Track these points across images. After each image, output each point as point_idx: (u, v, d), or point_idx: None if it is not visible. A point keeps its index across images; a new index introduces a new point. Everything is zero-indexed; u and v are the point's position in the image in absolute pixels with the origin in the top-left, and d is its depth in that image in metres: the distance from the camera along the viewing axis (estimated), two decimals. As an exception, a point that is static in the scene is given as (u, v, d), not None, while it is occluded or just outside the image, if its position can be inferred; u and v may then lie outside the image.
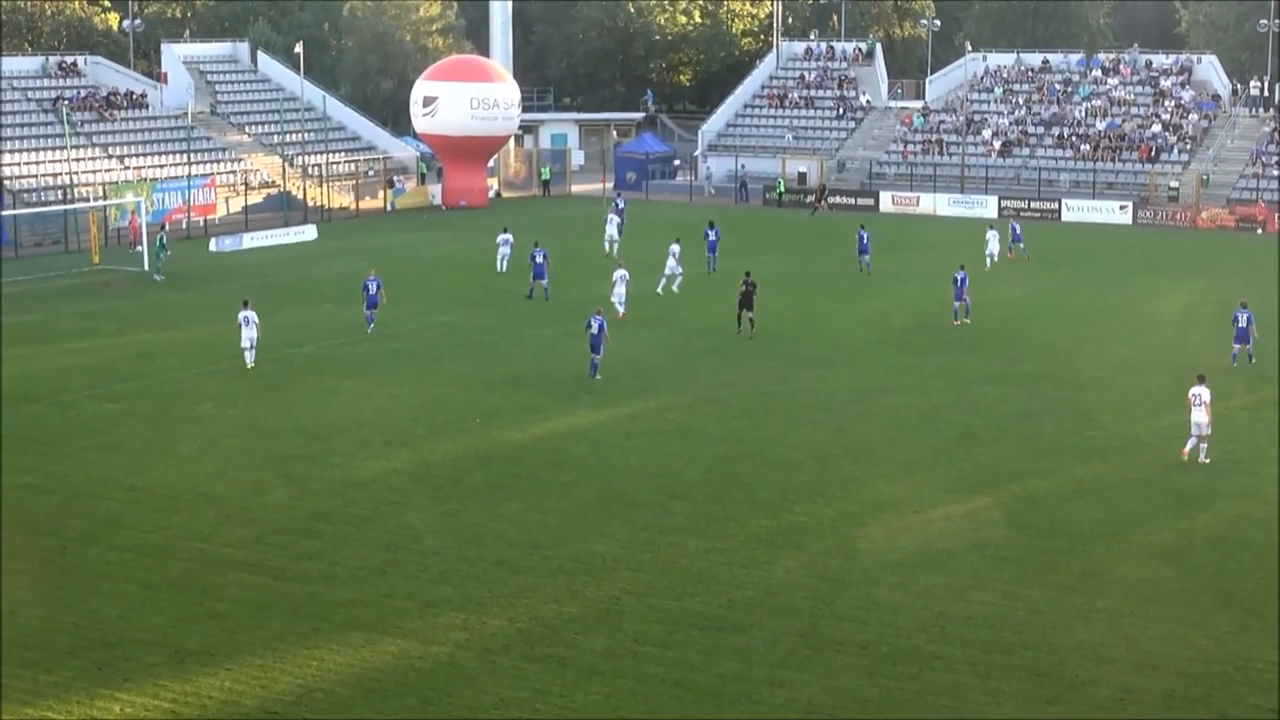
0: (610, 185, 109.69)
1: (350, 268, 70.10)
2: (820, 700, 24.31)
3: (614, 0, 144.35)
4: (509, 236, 69.35)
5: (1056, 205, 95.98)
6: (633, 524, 33.06)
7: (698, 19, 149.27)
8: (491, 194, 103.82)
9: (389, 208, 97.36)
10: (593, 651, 26.11)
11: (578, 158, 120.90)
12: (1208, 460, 38.23)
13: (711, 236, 69.81)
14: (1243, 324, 49.78)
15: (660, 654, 26.04)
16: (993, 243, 71.85)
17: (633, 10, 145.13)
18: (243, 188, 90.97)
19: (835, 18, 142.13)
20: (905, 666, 25.57)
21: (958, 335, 54.96)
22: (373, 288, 53.96)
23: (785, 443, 39.98)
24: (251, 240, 79.47)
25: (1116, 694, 24.62)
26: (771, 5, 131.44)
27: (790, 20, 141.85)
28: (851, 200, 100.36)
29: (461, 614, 27.72)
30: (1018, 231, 75.82)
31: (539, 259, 62.13)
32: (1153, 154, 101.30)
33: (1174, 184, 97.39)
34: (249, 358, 48.40)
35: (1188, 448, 38.53)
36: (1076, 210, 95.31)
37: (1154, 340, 54.79)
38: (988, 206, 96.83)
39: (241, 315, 48.44)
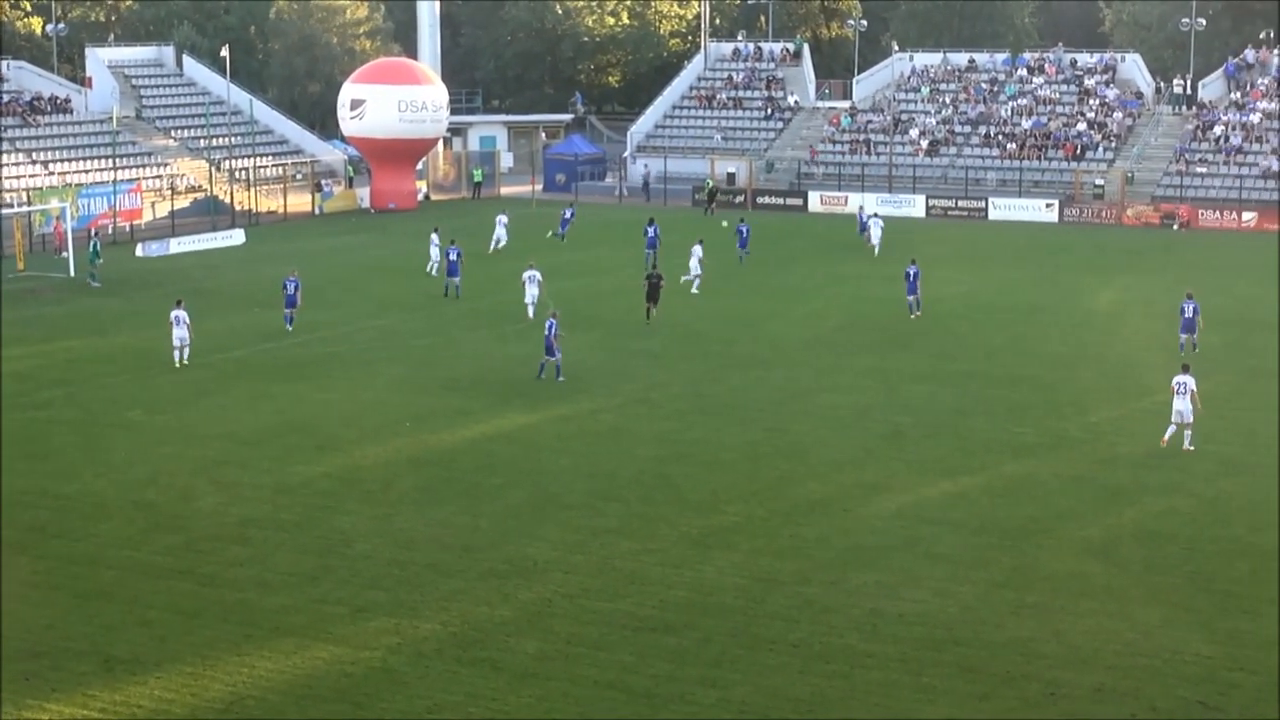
0: (539, 187, 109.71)
1: (279, 272, 69.58)
2: (753, 700, 24.37)
3: (542, 2, 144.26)
4: (438, 239, 69.27)
5: (983, 204, 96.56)
6: (565, 526, 33.05)
7: (626, 20, 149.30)
8: (420, 197, 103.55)
9: (317, 211, 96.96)
10: (525, 654, 26.07)
11: (507, 160, 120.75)
12: (1192, 448, 38.97)
13: (650, 234, 70.02)
14: (1189, 314, 50.98)
15: (593, 655, 26.04)
16: (875, 230, 76.91)
17: (560, 12, 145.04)
18: (169, 192, 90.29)
19: (763, 18, 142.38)
20: (837, 665, 25.66)
21: (888, 335, 55.23)
22: (290, 287, 54.30)
23: (717, 443, 40.04)
24: (179, 245, 78.91)
25: (1046, 689, 24.80)
26: (699, 6, 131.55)
27: (718, 21, 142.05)
28: (780, 200, 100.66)
29: (393, 618, 27.63)
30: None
31: (453, 256, 62.81)
32: (1078, 152, 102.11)
33: (1099, 182, 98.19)
34: (177, 357, 48.50)
35: (1167, 435, 39.26)
36: (1003, 209, 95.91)
37: (1083, 337, 55.20)
38: (915, 205, 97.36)
39: (173, 314, 48.66)
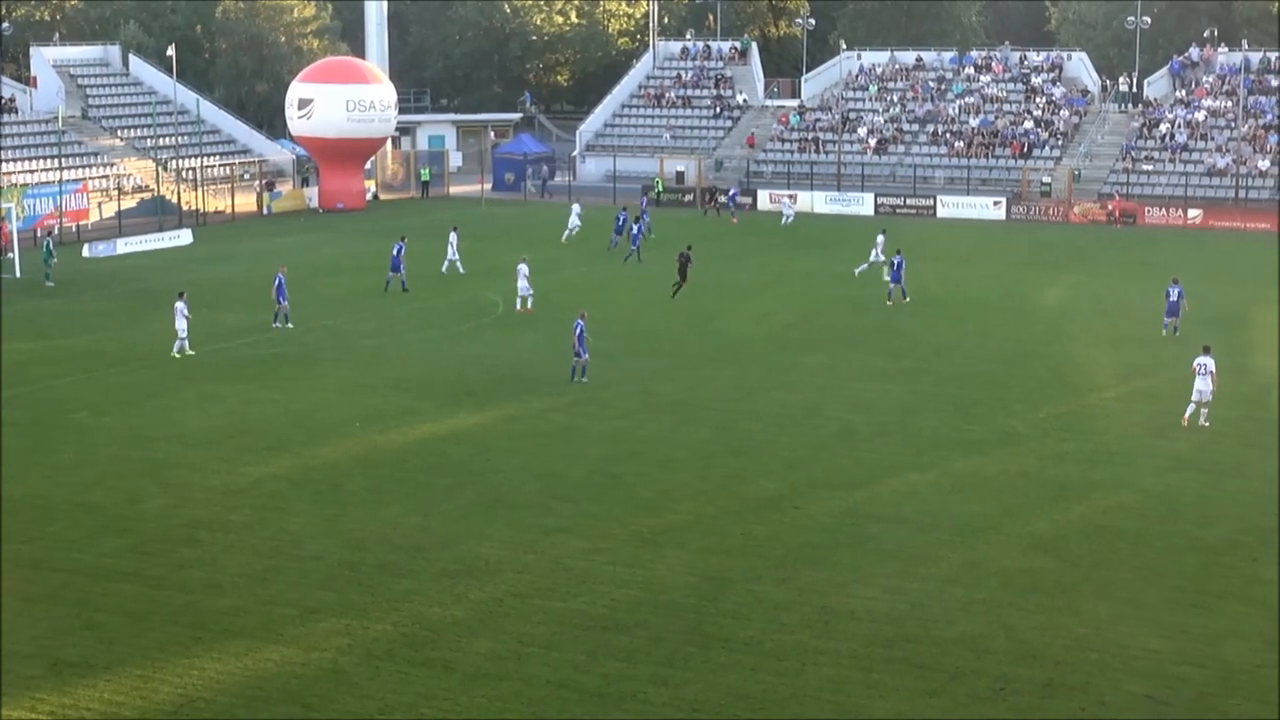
0: (488, 186, 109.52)
1: (227, 272, 69.60)
2: (704, 698, 24.39)
3: (490, 1, 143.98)
4: (455, 237, 69.08)
5: (932, 202, 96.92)
6: (516, 525, 33.00)
7: (574, 19, 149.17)
8: (369, 196, 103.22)
9: (265, 211, 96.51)
10: (477, 654, 26.03)
11: (456, 159, 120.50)
12: (1207, 424, 40.88)
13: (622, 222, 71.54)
14: (1174, 298, 53.28)
15: (544, 655, 26.01)
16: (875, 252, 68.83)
17: (509, 11, 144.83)
18: (116, 192, 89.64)
19: (711, 17, 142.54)
20: (788, 662, 25.71)
21: (838, 332, 55.40)
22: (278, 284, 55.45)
23: (668, 442, 40.07)
24: (126, 246, 78.47)
25: (996, 684, 24.91)
26: (648, 5, 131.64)
27: (666, 20, 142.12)
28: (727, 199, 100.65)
29: (344, 619, 27.53)
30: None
31: (395, 252, 63.40)
32: (1025, 150, 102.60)
33: (1046, 179, 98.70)
34: (176, 346, 50.34)
35: (1187, 414, 41.15)
36: (951, 206, 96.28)
37: (1031, 334, 55.47)
38: (864, 204, 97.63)
39: (175, 306, 50.50)
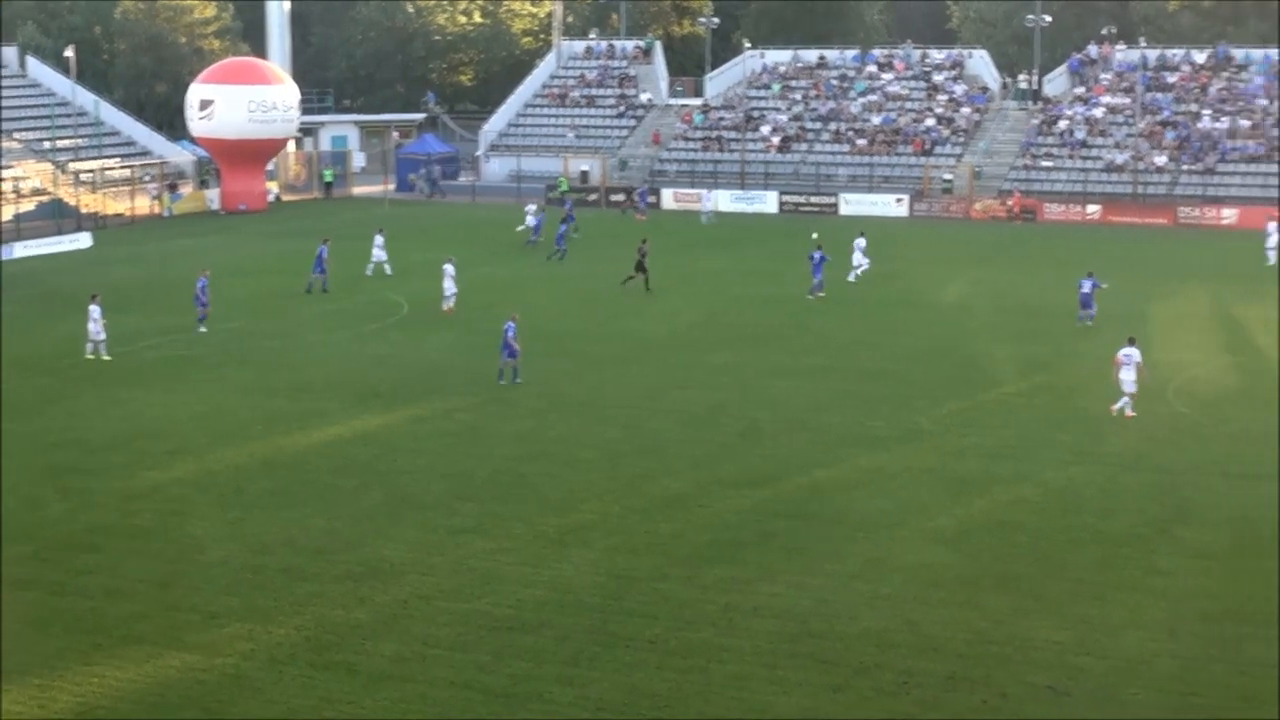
0: (392, 187, 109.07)
1: (127, 275, 68.88)
2: (610, 697, 24.41)
3: (393, 1, 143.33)
4: (381, 239, 68.63)
5: (835, 199, 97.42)
6: (421, 527, 32.88)
7: (478, 19, 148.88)
8: (271, 198, 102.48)
9: (166, 213, 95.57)
10: (381, 656, 25.92)
11: (359, 160, 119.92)
12: (1134, 414, 41.53)
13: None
14: (1086, 289, 55.07)
15: (450, 656, 25.94)
16: (858, 253, 67.42)
17: (412, 10, 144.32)
18: (13, 196, 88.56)
19: (615, 16, 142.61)
20: (694, 660, 25.77)
21: (744, 331, 55.60)
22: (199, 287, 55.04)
23: (575, 441, 40.05)
24: (23, 249, 77.51)
25: (900, 678, 25.08)
26: (551, 4, 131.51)
27: (570, 19, 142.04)
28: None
29: (247, 624, 27.33)
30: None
31: (318, 254, 63.18)
32: (927, 147, 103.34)
33: (948, 176, 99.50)
34: (89, 348, 50.03)
35: (1116, 405, 41.92)
36: (855, 204, 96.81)
37: (935, 331, 55.84)
38: (768, 202, 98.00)
39: (90, 309, 50.01)
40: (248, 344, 53.22)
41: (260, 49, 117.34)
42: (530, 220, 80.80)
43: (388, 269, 67.51)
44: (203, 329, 54.68)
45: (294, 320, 57.82)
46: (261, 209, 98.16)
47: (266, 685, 24.82)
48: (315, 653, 26.10)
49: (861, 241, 67.72)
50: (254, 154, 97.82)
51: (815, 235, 67.63)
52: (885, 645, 26.36)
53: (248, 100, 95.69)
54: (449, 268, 58.96)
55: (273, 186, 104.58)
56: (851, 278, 66.36)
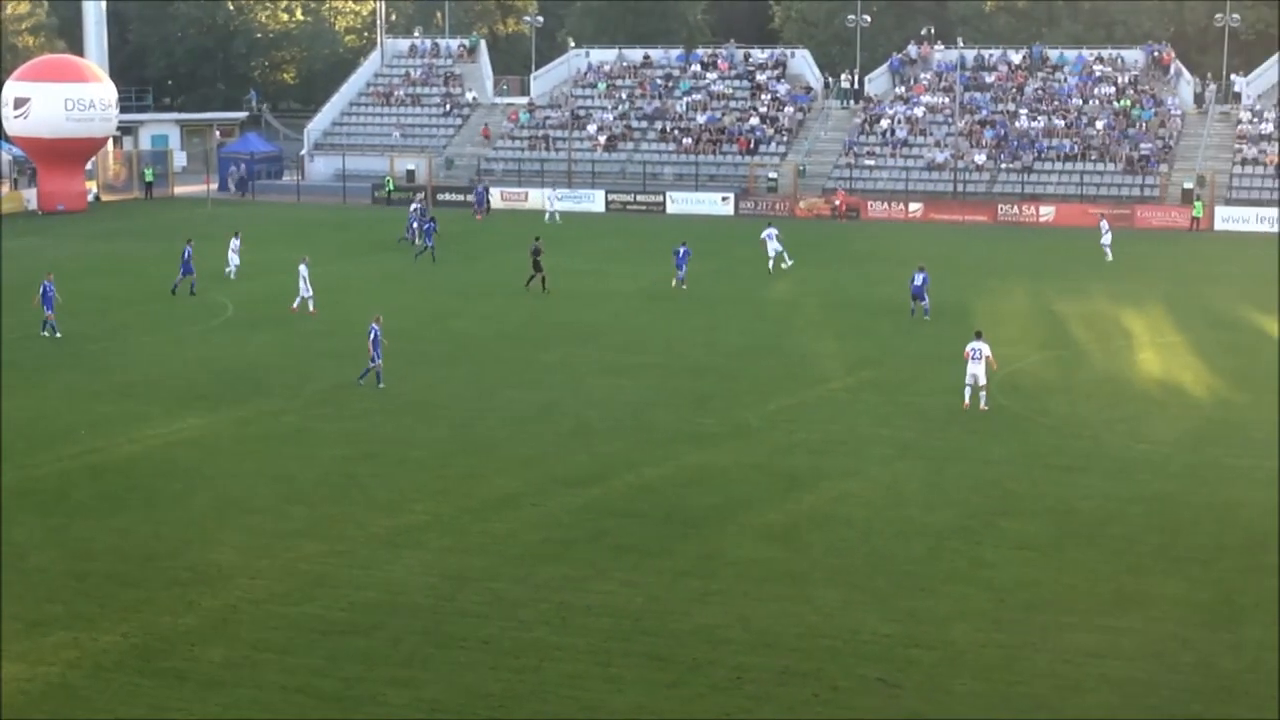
0: (215, 186, 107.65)
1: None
2: (444, 698, 24.31)
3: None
4: (237, 243, 67.37)
5: (662, 198, 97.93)
6: (249, 530, 32.49)
7: (300, 16, 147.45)
8: (90, 197, 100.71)
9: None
10: (210, 662, 25.57)
11: (180, 159, 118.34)
12: (987, 408, 42.27)
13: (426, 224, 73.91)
14: (918, 282, 56.16)
15: (280, 661, 25.66)
16: (771, 243, 70.64)
17: (232, 8, 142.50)
18: None
19: (439, 14, 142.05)
20: (527, 659, 25.75)
21: (572, 329, 55.66)
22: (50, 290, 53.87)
23: (405, 441, 39.83)
24: None
25: (733, 673, 25.25)
26: (374, 2, 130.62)
27: (394, 17, 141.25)
28: (461, 197, 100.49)
29: (72, 632, 26.80)
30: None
31: (184, 255, 62.29)
32: (752, 146, 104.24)
33: (772, 175, 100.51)
34: None
35: (967, 400, 42.47)
36: (681, 202, 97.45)
37: (761, 328, 56.32)
38: (595, 201, 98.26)
39: None
40: (70, 347, 52.17)
41: (77, 46, 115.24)
42: (413, 220, 79.44)
43: (231, 272, 66.37)
44: (45, 334, 53.30)
45: (117, 322, 56.84)
46: (81, 209, 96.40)
47: (93, 694, 24.38)
48: (143, 660, 25.67)
49: (772, 230, 71.18)
50: (72, 153, 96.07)
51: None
52: (718, 641, 26.53)
53: (64, 98, 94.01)
54: (303, 268, 58.43)
55: (92, 186, 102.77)
56: (784, 267, 69.95)
